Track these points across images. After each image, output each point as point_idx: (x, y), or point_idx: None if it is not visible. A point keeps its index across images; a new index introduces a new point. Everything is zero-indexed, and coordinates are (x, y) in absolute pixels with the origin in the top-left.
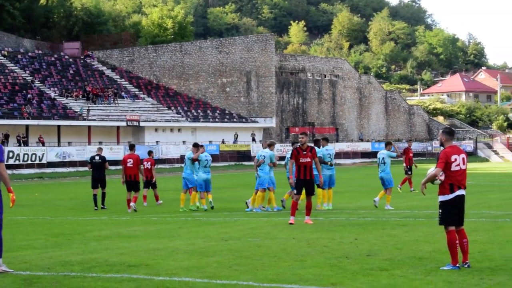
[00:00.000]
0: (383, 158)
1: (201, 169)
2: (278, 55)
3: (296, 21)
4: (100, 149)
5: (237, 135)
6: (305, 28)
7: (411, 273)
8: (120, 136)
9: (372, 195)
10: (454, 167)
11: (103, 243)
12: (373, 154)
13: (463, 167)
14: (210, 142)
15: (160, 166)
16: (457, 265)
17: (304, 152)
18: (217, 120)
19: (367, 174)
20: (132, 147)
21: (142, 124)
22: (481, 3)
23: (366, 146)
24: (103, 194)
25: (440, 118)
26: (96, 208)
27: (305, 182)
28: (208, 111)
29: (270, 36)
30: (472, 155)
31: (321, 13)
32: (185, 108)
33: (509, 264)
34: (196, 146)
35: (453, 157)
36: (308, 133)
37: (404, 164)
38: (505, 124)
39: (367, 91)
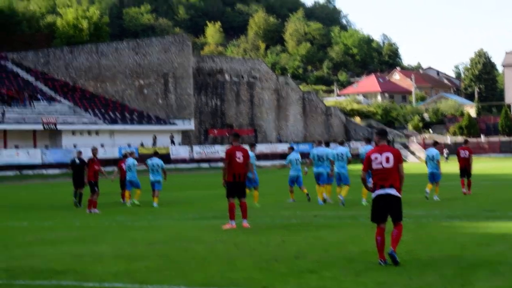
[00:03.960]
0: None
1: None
2: (195, 56)
3: (212, 22)
4: (79, 152)
5: (156, 138)
6: (221, 29)
7: (341, 275)
8: (37, 140)
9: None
10: (374, 166)
11: (27, 250)
12: None
13: (386, 165)
14: (129, 145)
15: None
16: (383, 259)
17: None
18: (135, 122)
19: (284, 176)
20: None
21: (59, 127)
22: (395, 5)
23: (284, 148)
24: (80, 194)
25: (357, 119)
26: (75, 200)
27: None
28: (126, 114)
29: (186, 37)
30: None
31: (237, 14)
32: (103, 111)
33: (436, 263)
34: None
35: (373, 156)
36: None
37: None
38: (421, 124)
39: (284, 92)
